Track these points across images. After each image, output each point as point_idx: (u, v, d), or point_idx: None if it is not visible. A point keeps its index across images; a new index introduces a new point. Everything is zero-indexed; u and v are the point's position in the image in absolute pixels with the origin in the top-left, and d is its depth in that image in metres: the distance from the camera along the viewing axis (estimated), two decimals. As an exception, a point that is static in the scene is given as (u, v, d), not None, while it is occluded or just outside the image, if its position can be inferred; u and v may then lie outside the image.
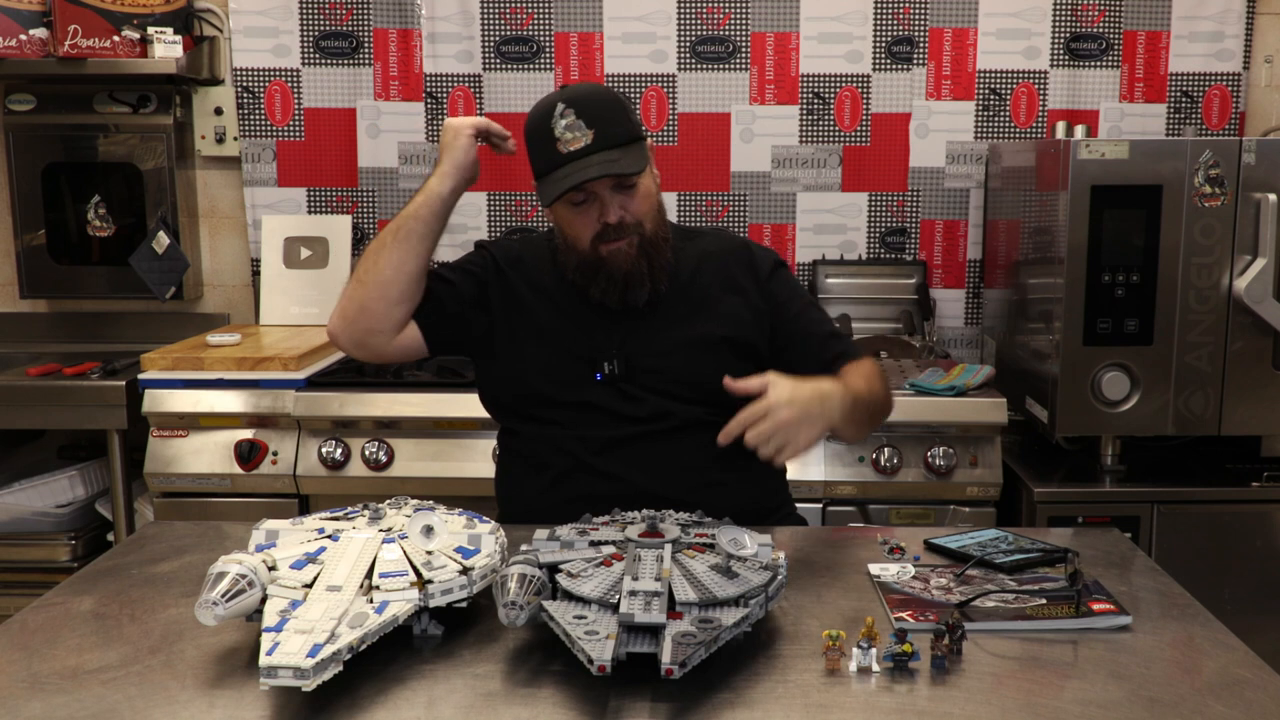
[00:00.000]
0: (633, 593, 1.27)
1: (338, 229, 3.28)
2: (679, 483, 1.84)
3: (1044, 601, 1.47)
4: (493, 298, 1.95)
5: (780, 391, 1.64)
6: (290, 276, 3.26)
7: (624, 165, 1.79)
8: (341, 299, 1.90)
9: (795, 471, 2.07)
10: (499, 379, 1.97)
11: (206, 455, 2.72)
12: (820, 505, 2.62)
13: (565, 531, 1.48)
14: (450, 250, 3.29)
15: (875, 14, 3.18)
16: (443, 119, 3.20)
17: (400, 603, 1.30)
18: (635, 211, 1.84)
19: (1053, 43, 3.19)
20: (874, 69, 3.21)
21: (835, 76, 3.22)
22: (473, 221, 3.29)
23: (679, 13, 3.21)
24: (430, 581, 1.34)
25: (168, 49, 3.09)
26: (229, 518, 2.66)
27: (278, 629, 1.21)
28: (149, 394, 2.75)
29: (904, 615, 1.43)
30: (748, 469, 1.83)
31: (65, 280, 3.37)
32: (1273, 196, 2.48)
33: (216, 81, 3.30)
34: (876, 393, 1.88)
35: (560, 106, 1.79)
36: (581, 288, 1.90)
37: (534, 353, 1.91)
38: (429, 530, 1.41)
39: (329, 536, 1.42)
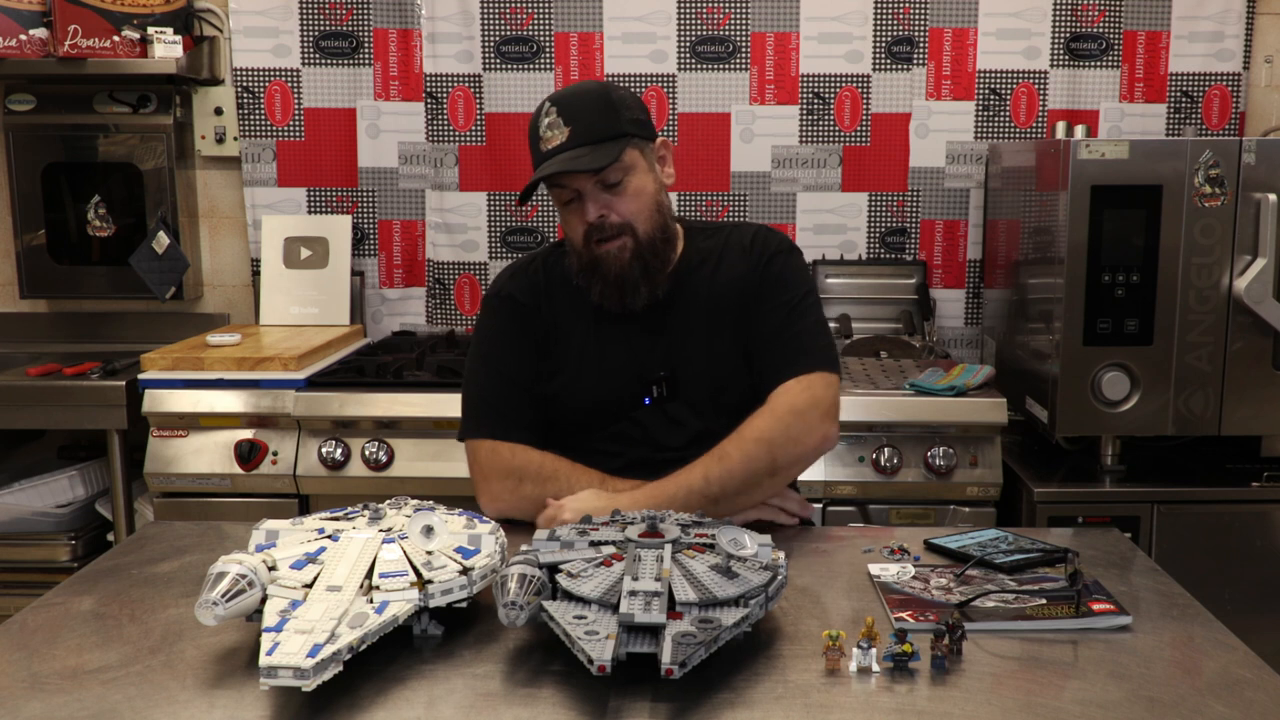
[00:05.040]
0: (633, 593, 1.27)
1: (338, 229, 3.28)
2: None
3: (1044, 601, 1.47)
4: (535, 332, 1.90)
5: None
6: (290, 276, 3.26)
7: (586, 161, 1.72)
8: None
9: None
10: (542, 408, 1.89)
11: (206, 455, 2.72)
12: (820, 505, 2.62)
13: (565, 531, 1.48)
14: (451, 250, 3.30)
15: (875, 14, 3.18)
16: (443, 119, 3.23)
17: (400, 603, 1.30)
18: (622, 211, 1.78)
19: (1053, 43, 3.19)
20: (874, 69, 3.21)
21: (835, 76, 3.22)
22: (473, 221, 3.29)
23: (679, 13, 3.21)
24: (430, 581, 1.34)
25: (168, 49, 3.09)
26: (229, 518, 2.67)
27: (278, 629, 1.21)
28: (149, 394, 2.75)
29: (904, 615, 1.43)
30: None
31: (65, 280, 3.37)
32: (1273, 196, 2.48)
33: (216, 81, 3.30)
34: (733, 470, 1.74)
35: (547, 105, 1.78)
36: (586, 289, 1.86)
37: (576, 382, 1.86)
38: (429, 530, 1.41)
39: (329, 536, 1.42)
